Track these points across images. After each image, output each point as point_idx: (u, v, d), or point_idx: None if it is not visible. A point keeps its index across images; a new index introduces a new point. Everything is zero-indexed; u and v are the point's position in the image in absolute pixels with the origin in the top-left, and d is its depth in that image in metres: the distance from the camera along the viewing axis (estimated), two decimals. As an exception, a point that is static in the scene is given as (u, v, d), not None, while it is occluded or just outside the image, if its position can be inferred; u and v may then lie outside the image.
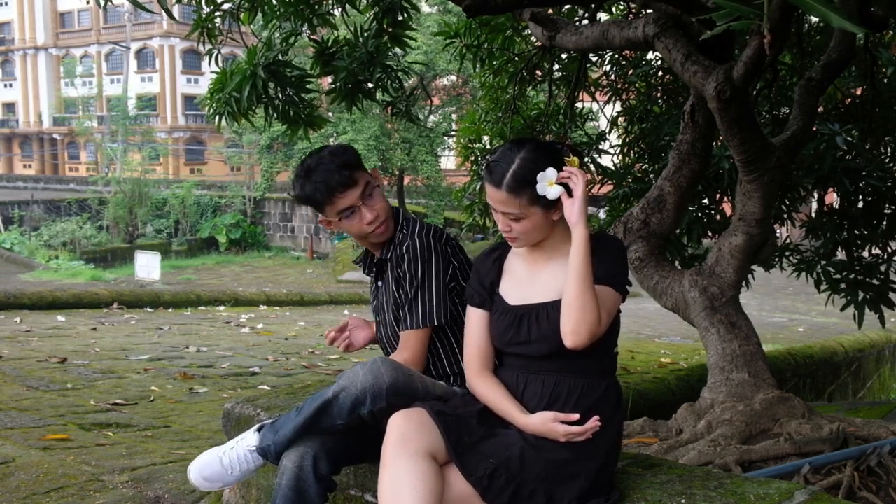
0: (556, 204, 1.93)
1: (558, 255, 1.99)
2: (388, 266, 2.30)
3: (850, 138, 4.32)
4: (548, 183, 1.90)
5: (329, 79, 4.66)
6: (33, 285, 16.10)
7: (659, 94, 5.55)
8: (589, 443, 1.90)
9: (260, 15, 4.37)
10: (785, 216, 4.95)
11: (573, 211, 1.89)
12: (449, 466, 1.88)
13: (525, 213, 1.94)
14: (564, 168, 1.93)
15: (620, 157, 5.61)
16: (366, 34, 4.38)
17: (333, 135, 25.57)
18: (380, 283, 2.38)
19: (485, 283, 2.08)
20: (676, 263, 4.83)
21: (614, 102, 5.77)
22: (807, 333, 12.40)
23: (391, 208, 2.32)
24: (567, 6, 4.91)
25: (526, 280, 2.02)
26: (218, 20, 4.36)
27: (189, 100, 42.92)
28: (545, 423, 1.89)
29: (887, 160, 4.93)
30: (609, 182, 5.25)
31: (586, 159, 5.24)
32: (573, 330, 1.85)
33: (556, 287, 1.95)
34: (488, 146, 5.76)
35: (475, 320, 2.08)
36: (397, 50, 4.60)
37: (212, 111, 4.46)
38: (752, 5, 1.59)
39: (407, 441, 1.84)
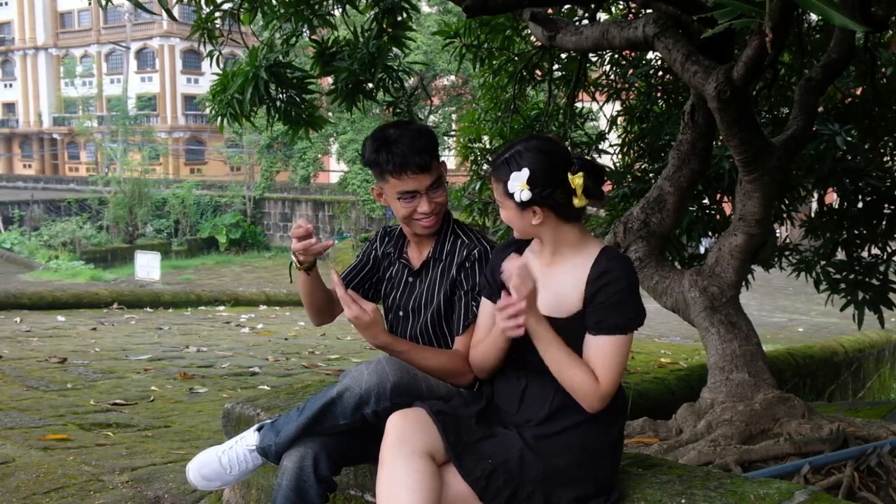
0: (531, 209, 1.89)
1: (564, 262, 1.94)
2: (439, 265, 2.24)
3: (849, 138, 4.32)
4: (519, 184, 1.86)
5: (329, 79, 4.66)
6: (33, 285, 16.09)
7: (659, 94, 5.55)
8: (590, 448, 1.89)
9: (260, 15, 4.37)
10: (785, 216, 4.95)
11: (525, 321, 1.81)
12: (447, 466, 1.88)
13: (501, 202, 1.95)
14: (505, 263, 1.87)
15: (620, 156, 5.61)
16: (366, 34, 4.38)
17: (333, 135, 25.59)
18: (411, 279, 2.29)
19: (496, 277, 2.06)
20: (676, 263, 4.83)
21: (614, 102, 5.77)
22: (807, 333, 12.41)
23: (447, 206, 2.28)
24: (567, 6, 4.91)
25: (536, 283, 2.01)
26: (218, 21, 4.37)
27: (189, 100, 42.93)
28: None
29: (887, 160, 4.94)
30: (609, 182, 5.26)
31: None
32: (581, 402, 1.87)
33: (563, 302, 1.91)
34: (488, 146, 5.76)
35: (485, 311, 2.09)
36: (397, 50, 4.60)
37: (214, 113, 4.46)
38: (754, 4, 1.60)
39: (404, 440, 1.84)
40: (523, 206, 1.89)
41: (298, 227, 2.16)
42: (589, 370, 1.85)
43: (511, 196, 1.89)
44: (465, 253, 2.21)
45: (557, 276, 1.95)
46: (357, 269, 2.42)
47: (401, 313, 2.30)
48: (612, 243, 3.76)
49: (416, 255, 2.30)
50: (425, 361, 2.12)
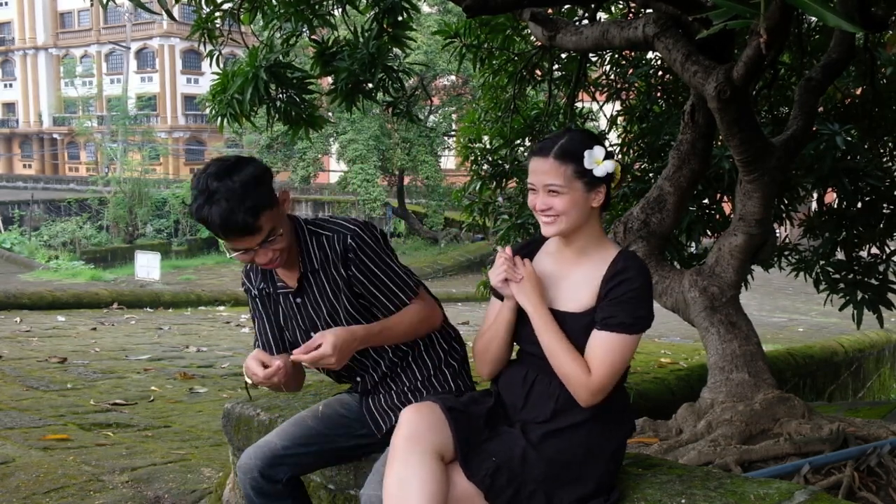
0: (597, 189, 1.93)
1: (585, 260, 1.96)
2: (319, 275, 2.10)
3: (849, 138, 4.32)
4: (595, 160, 1.90)
5: (329, 79, 4.66)
6: (33, 285, 16.09)
7: (659, 94, 5.55)
8: (594, 448, 1.90)
9: (260, 15, 4.37)
10: (784, 216, 4.95)
11: (521, 301, 1.94)
12: (453, 465, 1.88)
13: (568, 186, 1.91)
14: (503, 251, 1.96)
15: (620, 156, 5.61)
16: (366, 34, 4.38)
17: (333, 135, 25.59)
18: (298, 300, 2.14)
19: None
20: (676, 263, 4.83)
21: (614, 102, 5.77)
22: (807, 333, 12.40)
23: (291, 234, 2.09)
24: (567, 6, 4.91)
25: (551, 281, 2.00)
26: (218, 21, 4.36)
27: (189, 100, 42.93)
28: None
29: (887, 160, 4.93)
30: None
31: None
32: (574, 394, 1.90)
33: (577, 297, 1.94)
34: (488, 146, 5.76)
35: (494, 308, 2.09)
36: (397, 50, 4.60)
37: (214, 113, 4.46)
38: (749, 4, 1.60)
39: (418, 438, 1.84)
40: (595, 184, 1.92)
41: (254, 374, 2.05)
42: (583, 361, 1.87)
43: (582, 177, 1.91)
44: (339, 247, 2.08)
45: (575, 272, 1.98)
46: (264, 326, 2.26)
47: (313, 334, 2.11)
48: (612, 243, 3.75)
49: (288, 275, 2.15)
50: (400, 327, 2.11)
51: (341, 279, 2.09)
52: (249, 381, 2.09)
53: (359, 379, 2.25)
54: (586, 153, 1.90)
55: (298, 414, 2.27)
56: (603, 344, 1.87)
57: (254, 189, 1.92)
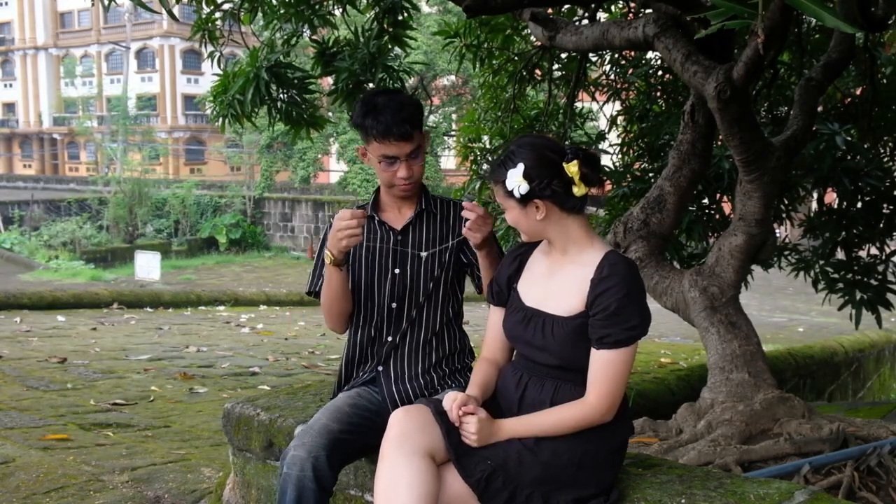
0: (532, 204, 1.90)
1: (571, 263, 1.95)
2: (432, 217, 2.38)
3: (849, 138, 4.32)
4: (516, 179, 1.88)
5: (330, 79, 4.66)
6: (33, 285, 16.10)
7: (659, 94, 5.55)
8: (591, 450, 1.89)
9: (260, 15, 4.37)
10: (784, 216, 4.95)
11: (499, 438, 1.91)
12: (446, 466, 1.88)
13: (504, 203, 1.96)
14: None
15: (620, 156, 5.61)
16: (366, 34, 4.38)
17: (334, 135, 25.59)
18: (399, 237, 2.35)
19: (501, 279, 2.09)
20: (675, 263, 4.83)
21: (614, 102, 5.77)
22: (807, 333, 12.42)
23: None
24: (567, 6, 4.91)
25: (542, 281, 2.00)
26: (218, 21, 4.36)
27: (189, 100, 42.91)
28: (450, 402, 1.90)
29: (887, 160, 4.94)
30: (609, 182, 5.26)
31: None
32: (594, 425, 1.90)
33: (565, 301, 1.92)
34: (488, 146, 5.76)
35: (494, 316, 2.11)
36: (398, 50, 4.60)
37: (215, 114, 4.46)
38: (748, 5, 1.60)
39: (406, 439, 1.84)
40: (524, 201, 1.90)
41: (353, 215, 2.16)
42: (568, 406, 1.88)
43: (511, 195, 1.90)
44: (458, 208, 2.36)
45: (563, 274, 1.96)
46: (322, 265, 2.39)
47: (397, 271, 2.35)
48: (613, 243, 3.76)
49: (397, 217, 2.40)
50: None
51: (451, 230, 2.37)
52: (330, 253, 2.21)
53: (389, 338, 2.35)
54: (509, 173, 1.89)
55: (330, 402, 2.25)
56: (604, 364, 1.86)
57: (413, 107, 2.29)
